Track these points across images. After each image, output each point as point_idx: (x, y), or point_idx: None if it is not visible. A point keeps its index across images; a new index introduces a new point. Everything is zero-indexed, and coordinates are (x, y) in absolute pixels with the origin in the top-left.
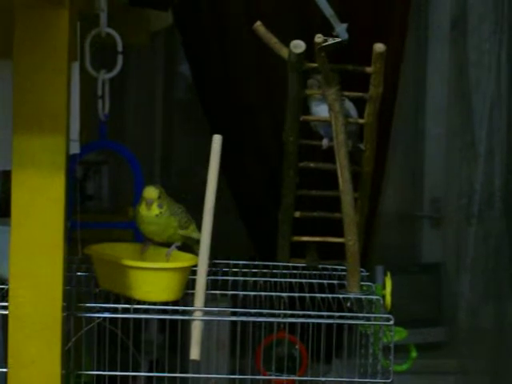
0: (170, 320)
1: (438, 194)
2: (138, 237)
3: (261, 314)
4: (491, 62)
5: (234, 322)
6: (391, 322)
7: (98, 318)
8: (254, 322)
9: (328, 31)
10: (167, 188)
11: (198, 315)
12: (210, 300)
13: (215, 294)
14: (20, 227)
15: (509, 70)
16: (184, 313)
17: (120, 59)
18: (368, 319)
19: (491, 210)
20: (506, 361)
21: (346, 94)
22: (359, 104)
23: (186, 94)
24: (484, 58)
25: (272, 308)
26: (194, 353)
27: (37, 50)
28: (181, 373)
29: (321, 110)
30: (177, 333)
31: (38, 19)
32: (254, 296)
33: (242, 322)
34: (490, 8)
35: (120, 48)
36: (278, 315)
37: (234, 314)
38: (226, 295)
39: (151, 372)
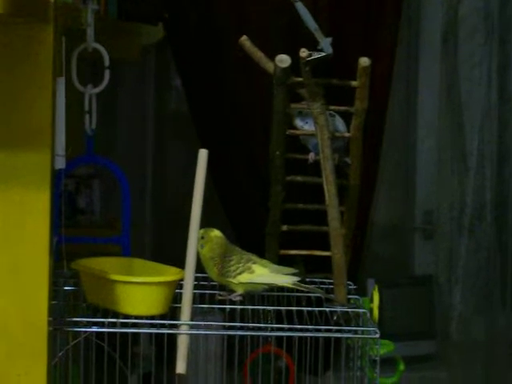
0: (158, 334)
1: (430, 207)
2: (126, 251)
3: (247, 328)
4: (482, 74)
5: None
6: (377, 336)
7: (85, 332)
8: (241, 336)
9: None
10: (159, 202)
11: (184, 329)
12: (198, 313)
13: (204, 308)
14: (5, 242)
15: (499, 82)
16: (171, 327)
17: (107, 74)
18: (355, 332)
19: (482, 222)
20: (497, 372)
21: (332, 107)
22: (348, 118)
23: (178, 107)
24: (474, 71)
25: (259, 322)
26: (180, 367)
27: (21, 65)
28: None
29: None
30: (170, 346)
31: (23, 35)
32: (241, 310)
33: (230, 335)
34: (481, 20)
35: (107, 63)
36: (265, 329)
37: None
38: (213, 309)
39: None
